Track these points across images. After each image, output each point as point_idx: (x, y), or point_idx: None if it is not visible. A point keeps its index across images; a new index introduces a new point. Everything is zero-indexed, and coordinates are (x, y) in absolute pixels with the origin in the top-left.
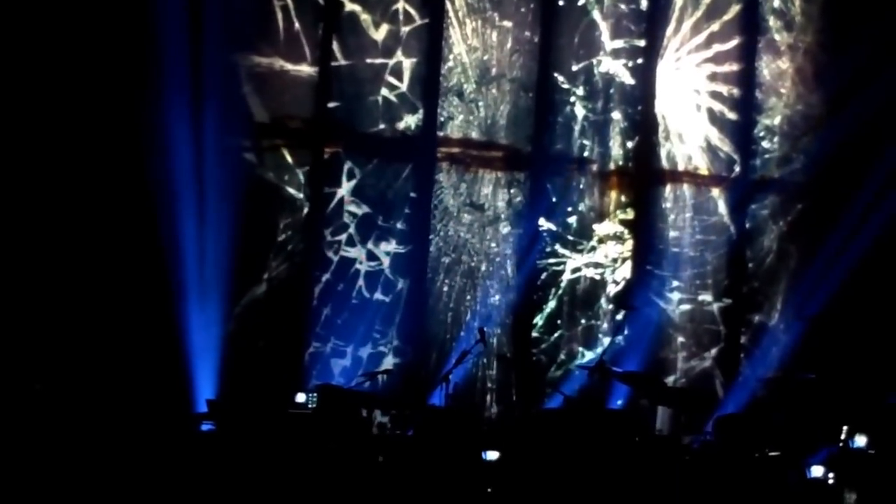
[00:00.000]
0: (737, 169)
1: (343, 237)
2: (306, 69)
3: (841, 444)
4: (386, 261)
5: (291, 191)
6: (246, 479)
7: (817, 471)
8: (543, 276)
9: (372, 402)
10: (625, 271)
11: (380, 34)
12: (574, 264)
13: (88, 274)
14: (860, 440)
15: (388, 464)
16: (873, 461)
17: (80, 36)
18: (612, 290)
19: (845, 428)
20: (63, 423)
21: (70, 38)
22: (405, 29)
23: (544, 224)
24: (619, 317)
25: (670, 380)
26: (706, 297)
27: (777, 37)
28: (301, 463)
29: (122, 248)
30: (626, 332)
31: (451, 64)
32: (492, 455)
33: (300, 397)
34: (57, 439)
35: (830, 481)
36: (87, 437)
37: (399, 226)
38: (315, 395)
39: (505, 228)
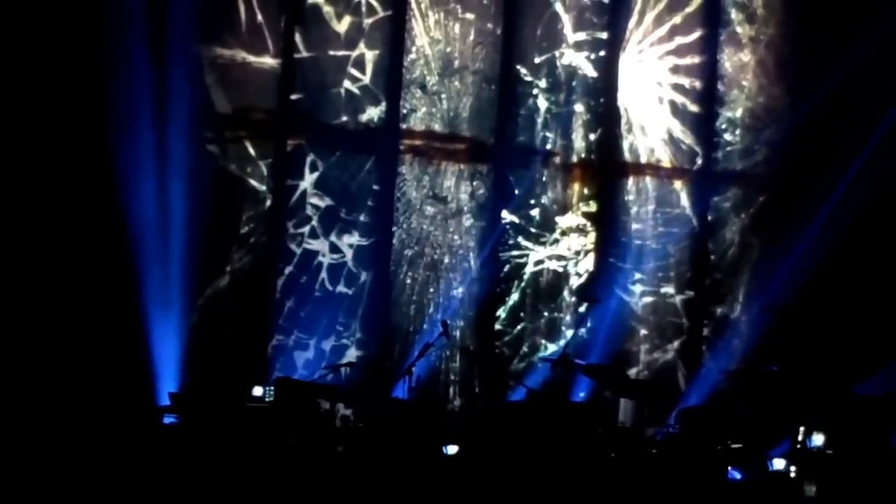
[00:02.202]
0: (699, 161)
1: (306, 229)
2: (269, 61)
3: (798, 444)
4: (349, 253)
5: (254, 183)
6: (208, 471)
7: (779, 463)
8: (506, 268)
9: (333, 394)
10: (588, 264)
11: (342, 26)
12: (537, 257)
13: (50, 266)
14: (817, 439)
15: (350, 456)
16: (832, 458)
17: (41, 26)
18: (575, 282)
19: (802, 429)
20: (24, 415)
21: (30, 30)
22: (368, 21)
23: (507, 216)
24: (582, 309)
25: (633, 372)
26: (669, 289)
27: (739, 29)
28: (261, 456)
29: (84, 240)
30: (588, 324)
31: (413, 56)
32: (452, 449)
33: (257, 391)
34: (18, 432)
35: (792, 474)
36: (49, 429)
37: (362, 218)
38: (272, 388)
39: (468, 221)
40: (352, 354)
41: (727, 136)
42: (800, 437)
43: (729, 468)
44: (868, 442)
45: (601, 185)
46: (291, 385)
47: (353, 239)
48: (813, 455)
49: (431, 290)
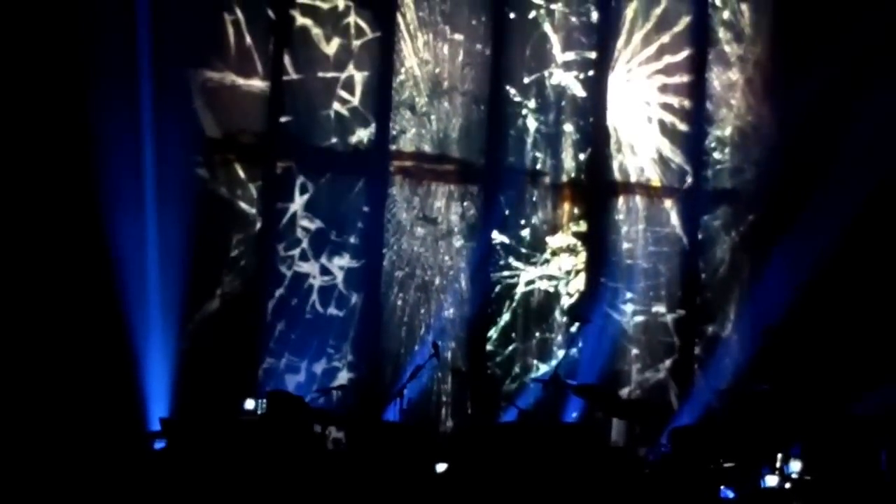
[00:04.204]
0: (689, 180)
1: (296, 252)
2: (258, 83)
3: (776, 471)
4: (339, 275)
5: (244, 206)
6: (200, 497)
7: (772, 481)
8: (497, 289)
9: (324, 417)
10: (578, 283)
11: (331, 48)
12: (528, 277)
13: (38, 291)
14: (795, 466)
15: (341, 479)
16: (821, 479)
17: (26, 50)
18: (566, 302)
19: (780, 455)
20: (13, 443)
21: (15, 53)
22: (357, 42)
23: (497, 237)
24: (574, 329)
25: (625, 392)
26: (660, 308)
27: (727, 48)
28: (253, 478)
29: (73, 265)
30: (580, 344)
31: (402, 77)
32: (441, 467)
33: (249, 403)
34: (6, 460)
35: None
36: (39, 457)
37: (352, 240)
38: (264, 401)
39: (458, 242)
40: (343, 377)
41: (716, 155)
42: (777, 464)
43: (721, 487)
44: (859, 461)
45: (591, 204)
46: (284, 398)
47: (344, 261)
48: (791, 481)
49: (422, 311)
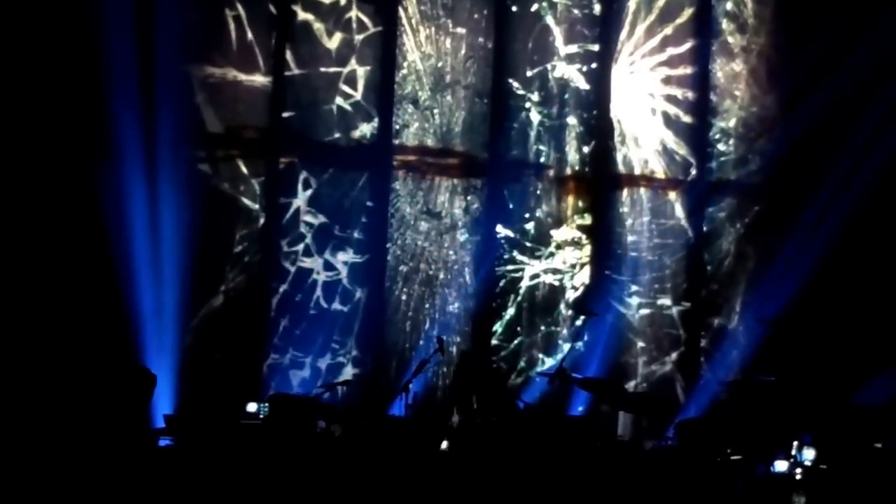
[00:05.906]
0: (693, 172)
1: (300, 247)
2: (260, 79)
3: (791, 459)
4: (343, 270)
5: (247, 201)
6: (205, 494)
7: (781, 466)
8: (502, 283)
9: (329, 413)
10: (583, 277)
11: (333, 43)
12: (532, 271)
13: (41, 290)
14: (808, 454)
15: (346, 475)
16: (826, 468)
17: (28, 47)
18: (571, 295)
19: (795, 443)
20: (15, 441)
21: (17, 51)
22: (358, 37)
23: (502, 231)
24: (579, 323)
25: (631, 385)
26: (665, 301)
27: (730, 39)
28: (258, 475)
29: (76, 263)
30: (585, 337)
31: (405, 71)
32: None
33: (251, 407)
34: (9, 459)
35: (798, 476)
36: (42, 455)
37: (356, 235)
38: (266, 405)
39: (462, 236)
40: (348, 372)
41: (721, 147)
42: (793, 451)
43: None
44: (864, 451)
45: (595, 197)
46: (286, 401)
47: (348, 256)
48: (805, 468)
49: (427, 306)
